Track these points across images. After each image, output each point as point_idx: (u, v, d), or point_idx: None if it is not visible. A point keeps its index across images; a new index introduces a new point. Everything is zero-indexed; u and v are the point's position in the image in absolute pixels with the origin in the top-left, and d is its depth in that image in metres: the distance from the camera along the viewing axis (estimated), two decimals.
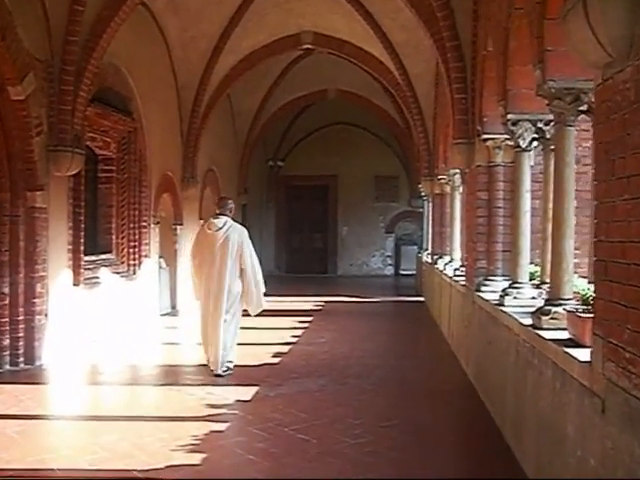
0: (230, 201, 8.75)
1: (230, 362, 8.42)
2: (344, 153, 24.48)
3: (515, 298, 6.57)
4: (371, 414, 6.73)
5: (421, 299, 17.01)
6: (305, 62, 18.39)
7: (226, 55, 14.51)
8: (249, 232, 8.75)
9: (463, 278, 9.59)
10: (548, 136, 6.44)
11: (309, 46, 15.74)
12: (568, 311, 4.69)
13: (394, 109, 19.45)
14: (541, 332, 4.92)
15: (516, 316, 5.82)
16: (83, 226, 9.95)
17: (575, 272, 5.44)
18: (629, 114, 3.23)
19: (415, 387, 8.08)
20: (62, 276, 9.45)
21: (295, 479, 5.03)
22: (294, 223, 25.40)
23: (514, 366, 5.73)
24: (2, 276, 8.46)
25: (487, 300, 7.22)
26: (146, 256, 12.68)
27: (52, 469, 5.09)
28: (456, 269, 10.80)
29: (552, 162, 6.33)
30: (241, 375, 8.49)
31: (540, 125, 6.50)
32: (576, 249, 5.59)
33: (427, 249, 17.25)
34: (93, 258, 10.90)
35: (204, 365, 8.66)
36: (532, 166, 7.21)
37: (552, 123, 6.29)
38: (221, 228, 8.38)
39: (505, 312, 6.22)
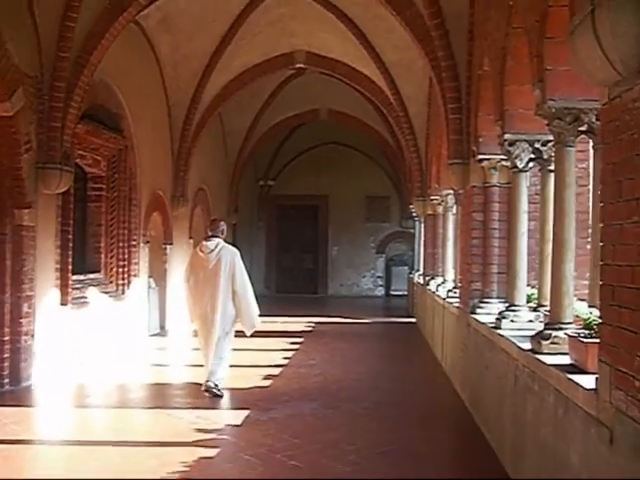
0: (222, 223, 8.85)
1: (217, 383, 8.31)
2: (335, 173, 24.43)
3: (512, 321, 6.44)
4: (365, 440, 6.56)
5: (413, 320, 16.88)
6: (297, 82, 18.31)
7: (218, 74, 14.44)
8: (241, 253, 8.76)
9: (457, 300, 9.46)
10: (545, 156, 6.36)
11: (301, 65, 15.68)
12: (570, 336, 4.56)
13: (386, 129, 19.38)
14: (541, 357, 4.79)
15: (514, 340, 5.69)
16: (71, 245, 9.78)
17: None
18: (639, 134, 3.13)
19: (409, 411, 7.91)
20: (49, 296, 9.27)
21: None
22: (284, 243, 25.28)
23: (512, 392, 5.59)
24: None
25: (483, 323, 7.09)
26: (135, 276, 12.51)
27: None
28: (449, 290, 10.67)
29: (550, 183, 6.27)
30: (231, 398, 8.33)
31: (537, 145, 6.41)
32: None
33: (419, 270, 17.15)
34: (81, 277, 10.73)
35: (196, 384, 8.59)
36: (527, 187, 7.12)
37: (550, 143, 6.24)
38: (213, 250, 8.46)
39: (502, 336, 6.09)
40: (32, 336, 8.74)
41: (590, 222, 6.88)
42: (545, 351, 4.88)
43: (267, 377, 9.44)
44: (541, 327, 5.99)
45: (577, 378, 3.99)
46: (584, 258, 6.53)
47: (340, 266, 25.32)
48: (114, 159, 11.80)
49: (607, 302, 3.51)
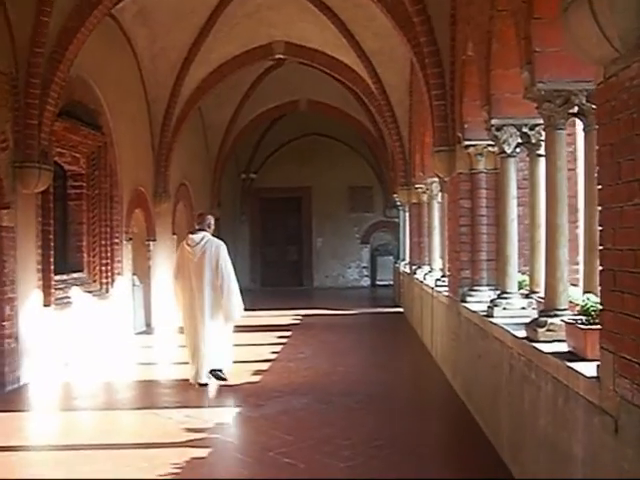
0: (209, 217, 8.98)
1: (220, 370, 8.59)
2: (317, 164, 24.30)
3: (504, 309, 6.34)
4: (360, 434, 6.44)
5: (400, 310, 16.80)
6: (276, 73, 18.15)
7: (197, 66, 14.26)
8: (227, 246, 8.79)
9: (446, 288, 9.37)
10: (534, 141, 6.24)
11: (281, 56, 15.51)
12: (567, 322, 4.47)
13: (367, 119, 19.25)
14: (537, 345, 4.69)
15: (508, 328, 5.60)
16: (53, 244, 9.59)
17: None
18: (638, 113, 3.02)
19: (403, 403, 7.82)
20: (32, 297, 9.09)
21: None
22: (268, 236, 25.12)
23: (508, 381, 5.50)
24: None
25: (474, 311, 7.00)
26: (119, 274, 12.33)
27: None
28: (437, 279, 10.57)
29: (539, 168, 6.17)
30: (221, 395, 8.22)
31: (525, 130, 6.29)
32: None
33: (405, 259, 17.06)
34: (64, 277, 10.54)
35: (185, 380, 8.57)
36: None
37: (538, 127, 6.14)
38: (199, 243, 8.60)
39: (495, 324, 5.99)
40: (16, 339, 8.56)
41: (580, 206, 6.84)
42: (541, 339, 4.77)
43: (256, 372, 9.32)
44: (534, 314, 5.93)
45: (577, 366, 3.89)
46: (573, 243, 6.46)
47: (325, 257, 25.21)
48: (94, 156, 11.60)
49: (608, 288, 3.41)
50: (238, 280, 8.85)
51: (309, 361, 10.27)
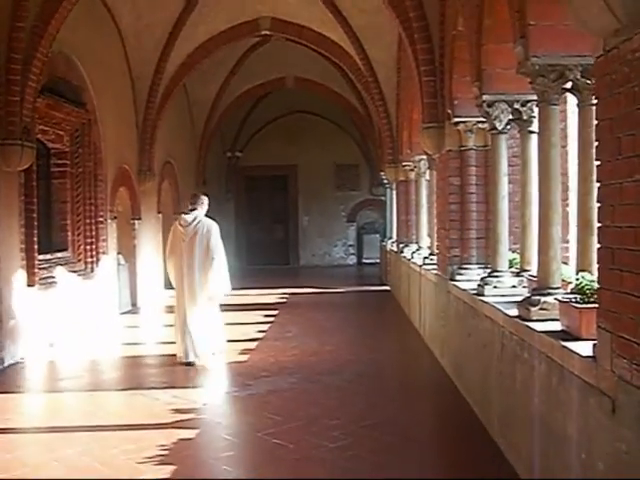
0: (202, 197, 9.02)
1: (213, 352, 8.71)
2: (303, 142, 24.14)
3: (495, 287, 6.29)
4: (348, 414, 6.38)
5: (387, 288, 16.75)
6: (262, 50, 17.94)
7: (182, 43, 14.05)
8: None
9: (434, 267, 9.31)
10: (525, 117, 6.16)
11: (267, 32, 15.30)
12: (561, 301, 4.40)
13: (354, 96, 19.10)
14: (530, 324, 4.63)
15: (499, 306, 5.54)
16: (36, 224, 9.42)
17: None
18: None
19: (391, 382, 7.79)
20: (15, 277, 8.94)
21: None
22: (254, 214, 24.97)
23: (499, 360, 5.44)
24: None
25: (464, 290, 6.94)
26: (104, 253, 12.20)
27: None
28: (425, 257, 10.51)
29: (530, 144, 6.09)
30: (208, 375, 8.14)
31: (517, 106, 6.20)
32: None
33: (391, 237, 16.99)
34: (48, 257, 10.39)
35: (172, 356, 8.65)
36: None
37: (530, 103, 6.06)
38: (191, 223, 8.68)
39: (486, 302, 5.93)
40: None
41: (571, 184, 6.77)
42: (534, 317, 4.72)
43: (243, 352, 9.24)
44: (525, 293, 5.87)
45: (572, 345, 3.83)
46: (563, 221, 6.38)
47: (311, 236, 25.13)
48: (77, 133, 11.42)
49: (607, 266, 3.34)
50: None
51: (296, 340, 10.20)
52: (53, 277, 10.21)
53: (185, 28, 13.70)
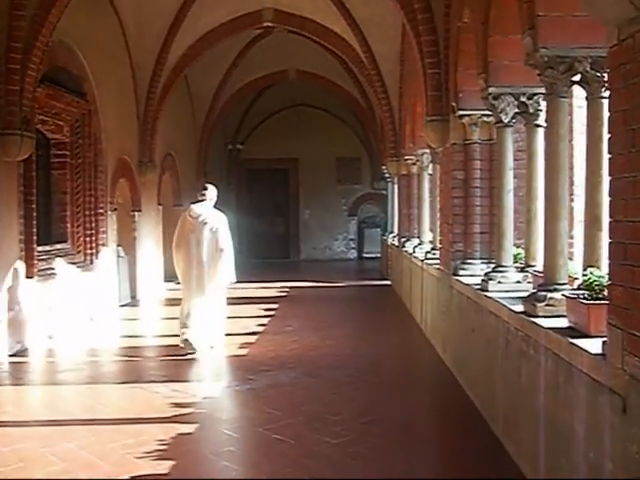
0: (211, 188, 9.13)
1: (212, 345, 8.77)
2: (305, 135, 24.00)
3: (499, 282, 6.20)
4: (349, 409, 6.31)
5: (387, 283, 16.67)
6: (264, 42, 17.80)
7: (183, 34, 13.92)
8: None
9: (436, 261, 9.22)
10: (532, 110, 6.07)
11: (269, 24, 15.17)
12: (568, 297, 4.32)
13: (356, 89, 19.00)
14: (536, 320, 4.55)
15: (504, 302, 5.46)
16: (35, 215, 9.33)
17: None
18: None
19: (392, 377, 7.71)
20: (14, 268, 8.85)
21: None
22: (255, 207, 24.85)
23: (504, 356, 5.36)
24: None
25: (468, 285, 6.86)
26: (103, 245, 12.11)
27: None
28: (427, 252, 10.42)
29: (537, 138, 6.02)
30: (208, 369, 8.08)
31: (523, 99, 6.11)
32: None
33: (393, 232, 16.90)
34: (47, 248, 10.31)
35: (172, 347, 8.72)
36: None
37: (536, 96, 5.98)
38: (200, 214, 8.79)
39: (491, 298, 5.85)
40: None
41: (577, 178, 6.68)
42: (540, 314, 4.64)
43: (243, 346, 9.17)
44: (529, 288, 5.79)
45: (580, 342, 3.76)
46: (568, 216, 6.30)
47: (312, 229, 25.04)
48: (77, 124, 11.32)
49: (618, 261, 3.26)
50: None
51: (297, 334, 10.12)
52: (52, 269, 10.13)
53: (187, 19, 13.56)
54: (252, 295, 14.32)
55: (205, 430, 5.74)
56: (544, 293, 4.73)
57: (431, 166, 10.96)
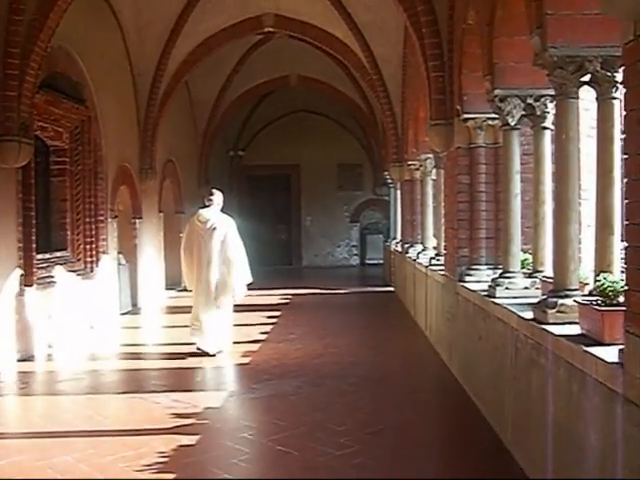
0: (218, 193, 9.26)
1: (221, 350, 8.92)
2: (306, 142, 23.92)
3: (507, 289, 6.07)
4: (354, 419, 6.17)
5: (391, 289, 16.55)
6: (265, 47, 17.72)
7: (183, 39, 13.83)
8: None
9: (441, 267, 9.09)
10: (539, 113, 5.95)
11: (270, 29, 15.08)
12: (581, 304, 4.19)
13: (358, 95, 18.92)
14: (547, 327, 4.42)
15: (512, 308, 5.33)
16: (34, 222, 9.22)
17: None
18: None
19: (398, 386, 7.56)
20: (13, 277, 8.74)
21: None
22: (257, 214, 24.70)
23: (513, 364, 5.22)
24: None
25: (474, 291, 6.72)
26: (104, 252, 11.98)
27: None
28: (432, 258, 10.30)
29: (544, 141, 5.90)
30: (210, 378, 7.95)
31: (530, 101, 5.98)
32: None
33: (396, 238, 16.78)
34: (47, 256, 10.19)
35: (174, 356, 8.74)
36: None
37: (543, 98, 5.86)
38: (209, 219, 8.95)
39: (498, 304, 5.72)
40: None
41: (584, 181, 6.55)
42: (551, 320, 4.49)
43: (246, 354, 9.03)
44: (538, 294, 5.66)
45: (595, 350, 3.62)
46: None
47: (314, 236, 24.93)
48: (77, 130, 11.21)
49: (635, 266, 3.12)
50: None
51: (300, 342, 9.99)
52: (52, 277, 10.01)
53: (187, 24, 13.48)
54: (254, 302, 14.14)
55: (207, 442, 5.58)
56: (555, 299, 4.59)
57: (434, 171, 10.85)
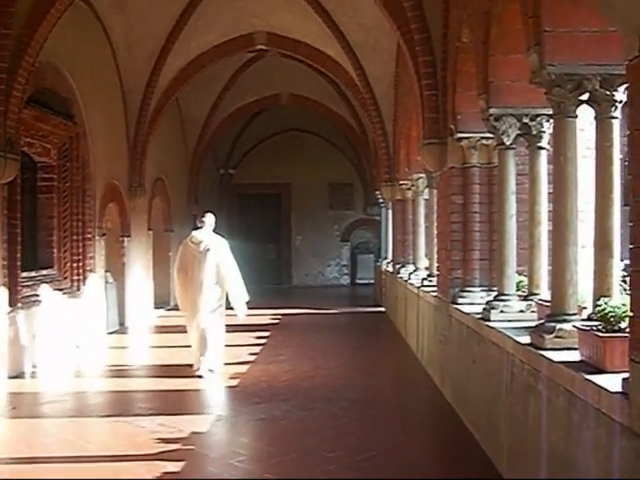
0: (210, 214, 9.30)
1: (212, 369, 8.84)
2: (297, 160, 23.82)
3: (502, 312, 5.92)
4: (345, 445, 6.00)
5: (381, 309, 16.39)
6: (256, 66, 17.64)
7: (174, 56, 13.73)
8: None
9: (433, 289, 8.95)
10: (534, 132, 5.85)
11: (262, 47, 15.01)
12: (580, 329, 4.05)
13: (349, 114, 18.85)
14: (545, 352, 4.27)
15: (508, 332, 5.18)
16: (20, 239, 9.04)
17: None
18: None
19: (389, 410, 7.39)
20: None
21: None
22: (246, 233, 24.52)
23: (508, 390, 5.07)
24: None
25: (468, 314, 6.58)
26: (91, 271, 11.79)
27: None
28: (424, 279, 10.16)
29: (540, 161, 5.80)
30: (196, 400, 7.76)
31: (526, 120, 5.88)
32: None
33: (387, 258, 16.65)
34: (32, 274, 10.00)
35: (160, 377, 8.23)
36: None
37: (539, 117, 5.77)
38: (202, 240, 8.97)
39: (493, 328, 5.57)
40: None
41: (581, 203, 6.43)
42: (549, 346, 4.35)
43: (234, 376, 8.84)
44: (533, 318, 5.52)
45: (596, 379, 3.47)
46: None
47: (304, 255, 24.77)
48: (65, 147, 11.06)
49: None
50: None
51: (289, 363, 9.81)
52: (37, 295, 9.81)
53: (178, 41, 13.38)
54: (243, 322, 13.96)
55: (192, 469, 5.40)
56: (553, 324, 4.45)
57: (427, 191, 10.74)
